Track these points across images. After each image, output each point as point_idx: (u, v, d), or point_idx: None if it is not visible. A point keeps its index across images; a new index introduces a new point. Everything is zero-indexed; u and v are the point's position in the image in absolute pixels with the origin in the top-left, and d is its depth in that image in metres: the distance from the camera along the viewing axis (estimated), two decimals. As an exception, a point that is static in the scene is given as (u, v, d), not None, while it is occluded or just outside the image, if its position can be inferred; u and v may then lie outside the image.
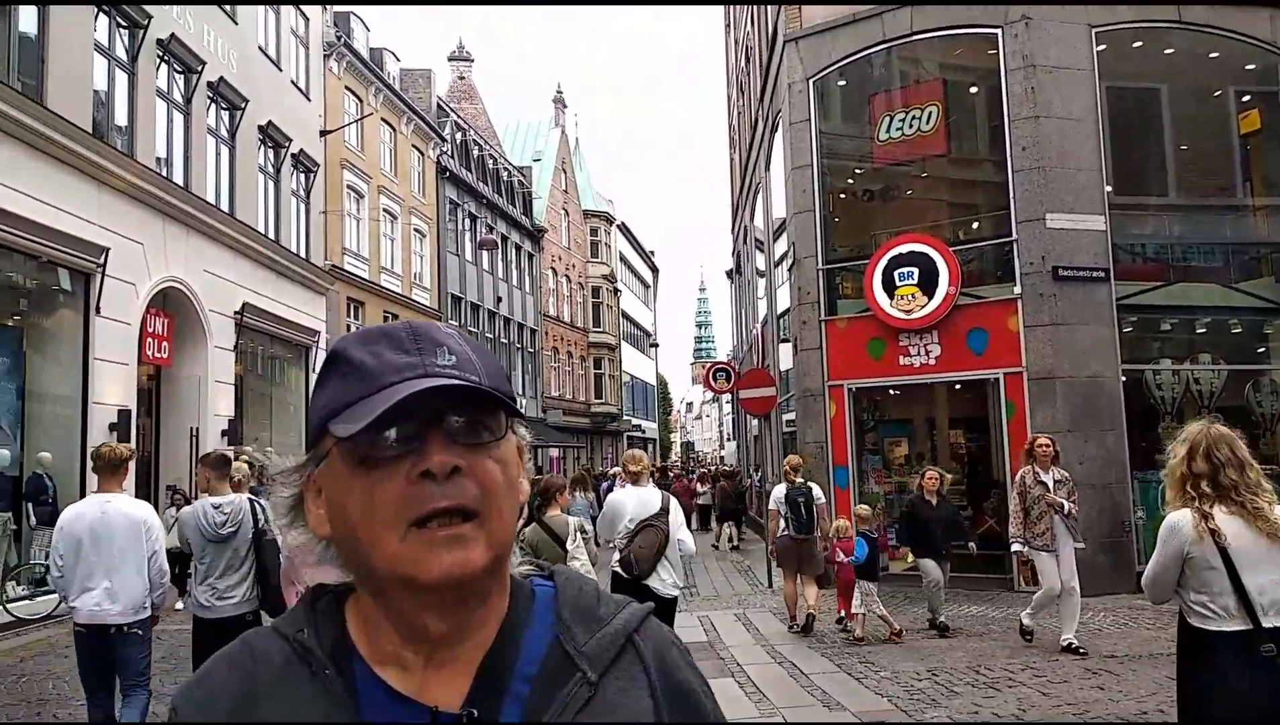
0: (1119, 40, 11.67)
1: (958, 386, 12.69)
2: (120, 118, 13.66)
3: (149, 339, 13.80)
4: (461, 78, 41.34)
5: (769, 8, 15.22)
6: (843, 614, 8.96)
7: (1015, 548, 7.94)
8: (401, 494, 0.77)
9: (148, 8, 13.87)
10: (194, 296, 14.97)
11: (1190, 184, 12.51)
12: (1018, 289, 11.23)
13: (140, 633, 4.85)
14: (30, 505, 11.39)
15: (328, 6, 22.17)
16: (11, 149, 10.78)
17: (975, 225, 12.86)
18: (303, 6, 20.33)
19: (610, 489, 10.38)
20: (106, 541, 4.80)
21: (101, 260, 12.29)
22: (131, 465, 5.45)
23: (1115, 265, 11.19)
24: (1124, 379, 11.06)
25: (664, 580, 5.77)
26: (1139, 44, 11.89)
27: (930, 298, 11.49)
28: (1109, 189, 11.37)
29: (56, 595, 10.86)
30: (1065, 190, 11.15)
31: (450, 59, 41.89)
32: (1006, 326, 11.27)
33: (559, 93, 45.05)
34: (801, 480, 9.29)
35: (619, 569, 5.80)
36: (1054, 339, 10.97)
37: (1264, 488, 3.06)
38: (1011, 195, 11.35)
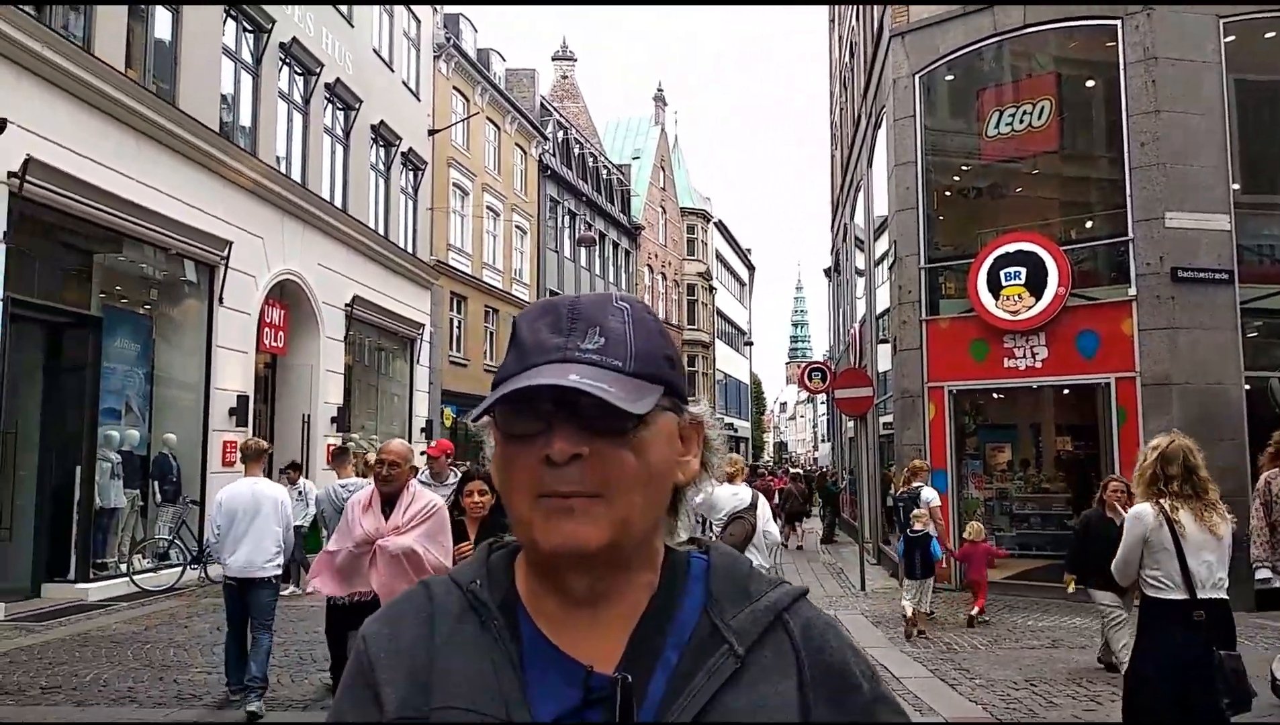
0: (1249, 31, 11.05)
1: (1065, 391, 12.25)
2: (244, 118, 14.39)
3: (266, 329, 14.50)
4: (564, 77, 41.92)
5: (876, 4, 14.97)
6: (976, 610, 9.29)
7: (1263, 574, 6.23)
8: (529, 471, 0.81)
9: (272, 12, 14.56)
10: (308, 288, 15.65)
11: (1326, 182, 11.77)
12: (1133, 291, 10.77)
13: (273, 582, 6.28)
14: (156, 484, 12.12)
15: (438, 7, 22.81)
16: (147, 147, 11.49)
17: (1088, 224, 12.38)
18: (415, 8, 20.97)
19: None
20: (254, 514, 6.17)
21: (225, 253, 12.98)
22: (269, 456, 7.96)
23: (1240, 266, 10.61)
24: (1247, 387, 10.49)
25: (754, 559, 6.39)
26: (1272, 34, 11.25)
27: (1038, 298, 11.12)
28: (1235, 187, 10.79)
29: (178, 569, 11.58)
30: (1186, 188, 10.63)
31: (554, 59, 42.54)
32: (1120, 329, 10.83)
33: (659, 91, 45.25)
34: (916, 484, 9.59)
35: None
36: (1171, 343, 10.48)
37: (1210, 490, 3.99)
38: (1128, 193, 10.88)
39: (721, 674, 0.82)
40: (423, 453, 9.33)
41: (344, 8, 17.43)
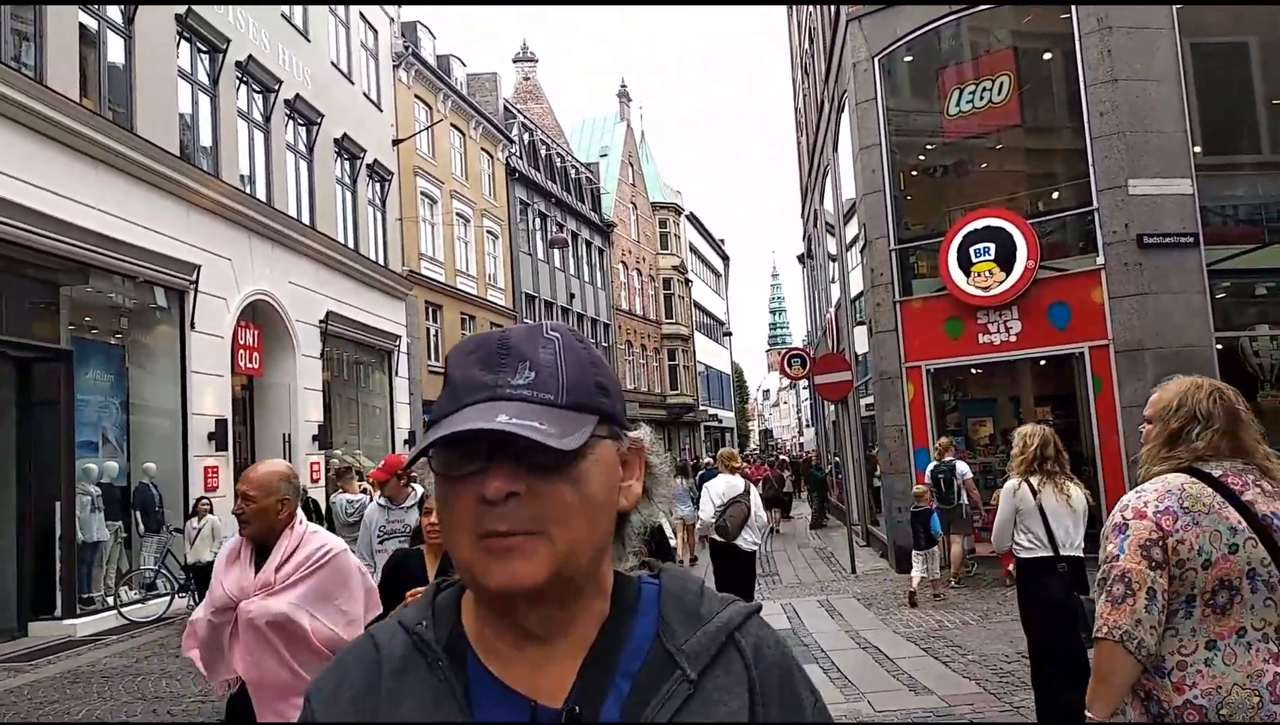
0: (1200, -6, 11.17)
1: (1041, 362, 12.35)
2: (205, 139, 14.26)
3: (240, 350, 14.38)
4: (527, 78, 41.80)
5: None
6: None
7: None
8: (467, 511, 0.81)
9: (225, 31, 14.42)
10: (280, 307, 15.54)
11: (1284, 140, 11.92)
12: (1100, 259, 10.88)
13: None
14: (138, 514, 12.00)
15: (394, 17, 22.67)
16: (107, 175, 11.36)
17: (1054, 196, 12.49)
18: (370, 19, 20.83)
19: (707, 476, 11.74)
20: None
21: (194, 277, 12.86)
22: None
23: (1205, 229, 10.73)
24: (1219, 347, 10.62)
25: (747, 539, 7.72)
26: (1222, -3, 11.37)
27: (1008, 273, 11.22)
28: (1196, 150, 10.91)
29: (166, 598, 11.48)
30: (1148, 154, 10.74)
31: (515, 60, 42.41)
32: (1090, 299, 10.94)
33: (623, 87, 45.21)
34: (949, 458, 10.71)
35: (716, 535, 7.65)
36: (1141, 309, 10.60)
37: (1067, 469, 4.95)
38: (1091, 163, 10.99)
39: (675, 699, 0.82)
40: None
41: (299, 23, 17.29)
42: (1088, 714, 2.19)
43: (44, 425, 10.52)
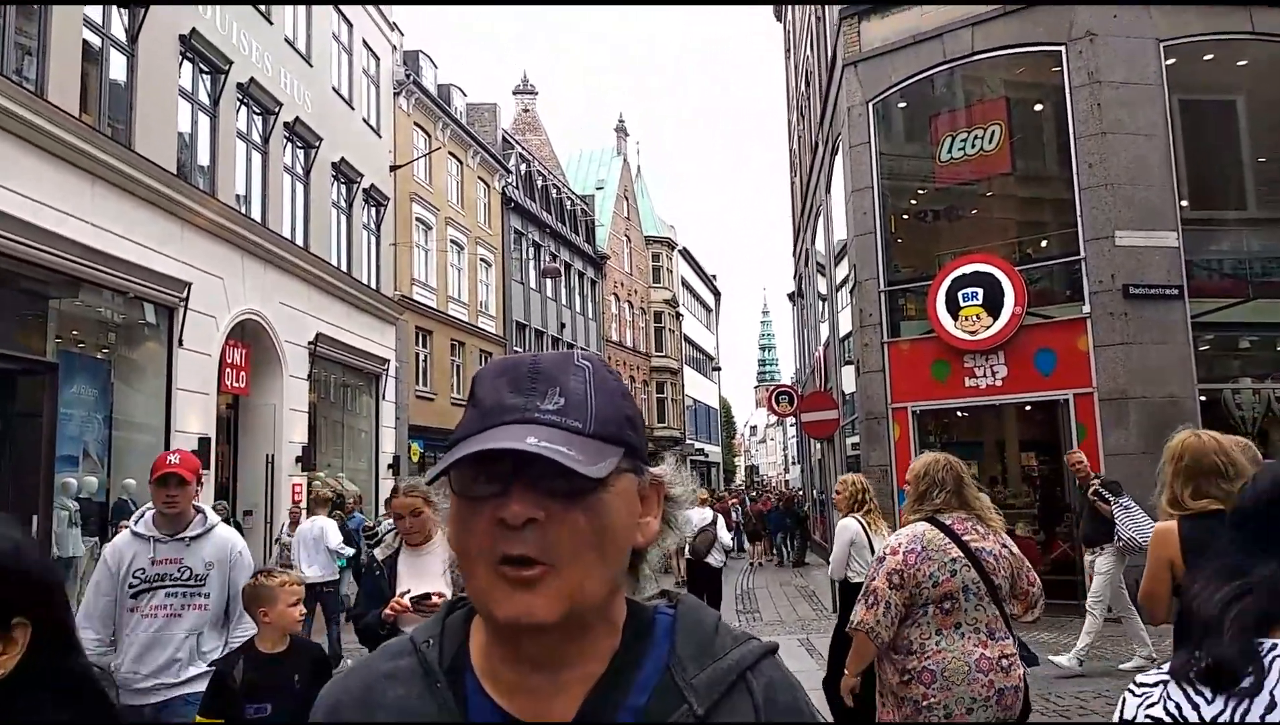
0: (1190, 53, 11.41)
1: (1027, 408, 12.44)
2: (203, 158, 14.31)
3: (228, 369, 14.33)
4: (526, 110, 42.16)
5: (828, 33, 15.26)
6: None
7: None
8: (484, 534, 0.80)
9: (228, 52, 14.54)
10: (270, 328, 15.51)
11: (1270, 198, 12.12)
12: (1087, 308, 11.00)
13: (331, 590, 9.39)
14: (115, 530, 11.88)
15: (396, 46, 22.90)
16: (103, 190, 11.38)
17: (1043, 244, 12.65)
18: (371, 45, 21.03)
19: None
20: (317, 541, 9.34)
21: (184, 295, 12.84)
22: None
23: (1190, 282, 10.89)
24: (1202, 399, 10.72)
25: (715, 559, 10.14)
26: (1210, 56, 11.62)
27: (996, 318, 11.33)
28: (1183, 204, 11.09)
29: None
30: (1135, 207, 10.92)
31: (515, 92, 42.78)
32: (1076, 346, 11.04)
33: (620, 122, 45.63)
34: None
35: (690, 555, 10.21)
36: (1126, 359, 10.71)
37: (873, 505, 5.84)
38: (1079, 213, 11.15)
39: None
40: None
41: (302, 47, 17.44)
42: (845, 671, 3.57)
43: (25, 438, 10.43)
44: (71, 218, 10.68)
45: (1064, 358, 11.11)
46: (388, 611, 3.39)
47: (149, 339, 12.91)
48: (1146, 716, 1.23)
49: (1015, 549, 3.41)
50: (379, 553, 3.77)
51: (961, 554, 3.23)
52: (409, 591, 3.43)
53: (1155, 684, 1.25)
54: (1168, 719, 1.20)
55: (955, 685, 3.12)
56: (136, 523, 3.70)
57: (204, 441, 13.27)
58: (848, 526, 5.62)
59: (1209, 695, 1.17)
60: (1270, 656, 1.14)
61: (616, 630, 0.87)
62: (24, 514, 10.26)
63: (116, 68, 12.29)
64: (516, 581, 0.79)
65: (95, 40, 11.82)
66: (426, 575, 3.54)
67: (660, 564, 0.93)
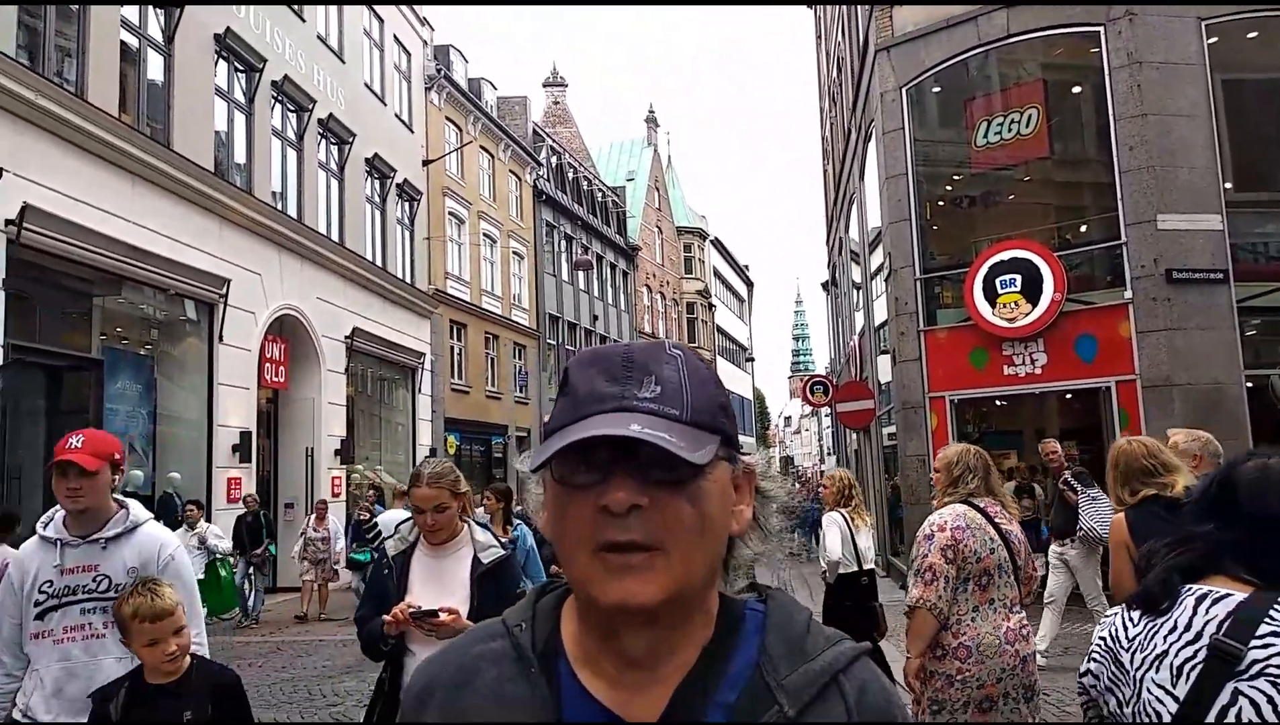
0: (1232, 31, 11.12)
1: (1067, 396, 12.25)
2: (239, 156, 14.50)
3: (267, 364, 14.54)
4: (556, 102, 42.21)
5: (859, 18, 15.11)
6: None
7: None
8: (587, 521, 0.80)
9: (262, 51, 14.70)
10: (308, 323, 15.70)
11: (1318, 178, 11.81)
12: (1128, 293, 10.79)
13: None
14: (162, 523, 12.09)
15: (428, 41, 23.01)
16: (143, 189, 11.58)
17: (1082, 228, 12.42)
18: (403, 40, 21.15)
19: None
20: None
21: (224, 291, 13.04)
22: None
23: (1235, 265, 10.63)
24: (1248, 385, 10.49)
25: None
26: (1254, 34, 11.32)
27: (1034, 305, 11.15)
28: (1227, 186, 10.83)
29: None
30: (1177, 189, 10.68)
31: (545, 85, 42.87)
32: (1117, 333, 10.84)
33: (651, 113, 45.54)
34: None
35: None
36: (1169, 345, 10.49)
37: (863, 502, 6.37)
38: (1119, 196, 10.93)
39: None
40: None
41: (334, 44, 17.59)
42: (908, 654, 3.58)
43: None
44: (113, 216, 10.88)
45: (1105, 344, 10.91)
46: (388, 619, 2.85)
47: (190, 335, 13.13)
48: (1098, 638, 1.73)
49: (1023, 534, 3.69)
50: (390, 546, 3.18)
51: (995, 534, 3.47)
52: (410, 606, 2.86)
53: (1112, 614, 1.72)
54: (1109, 637, 1.68)
55: (989, 659, 3.32)
56: (45, 525, 2.94)
57: (245, 435, 13.49)
58: (835, 519, 6.04)
59: (1136, 619, 1.64)
60: (1188, 595, 1.57)
61: (711, 622, 0.87)
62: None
63: (154, 68, 12.48)
64: (620, 567, 0.79)
65: (133, 41, 12.01)
66: (445, 582, 2.99)
67: (753, 560, 0.92)
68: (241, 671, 8.79)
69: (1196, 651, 1.51)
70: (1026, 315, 11.19)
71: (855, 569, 5.96)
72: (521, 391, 28.20)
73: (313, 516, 12.68)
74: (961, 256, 12.58)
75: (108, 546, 2.88)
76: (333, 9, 17.64)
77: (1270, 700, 1.43)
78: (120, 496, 3.01)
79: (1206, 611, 1.53)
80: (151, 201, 11.72)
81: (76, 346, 11.03)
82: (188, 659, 2.64)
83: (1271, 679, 1.44)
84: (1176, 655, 1.53)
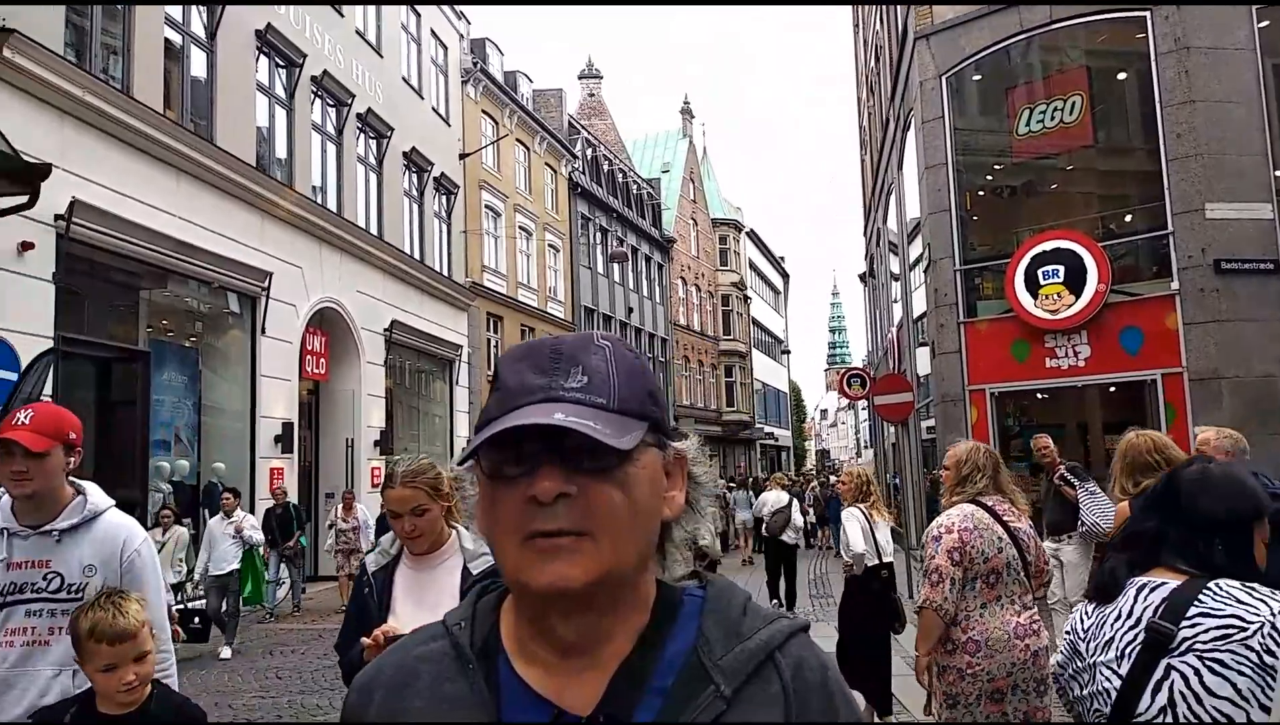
0: (1285, 14, 10.84)
1: (1111, 389, 12.04)
2: (280, 151, 14.69)
3: (308, 356, 14.74)
4: (591, 95, 42.21)
5: (899, 7, 14.93)
6: None
7: None
8: (517, 512, 0.81)
9: (302, 46, 14.86)
10: (347, 315, 15.90)
11: (1373, 164, 11.47)
12: (1175, 284, 10.58)
13: None
14: (207, 512, 12.33)
15: (464, 34, 23.11)
16: (187, 184, 11.78)
17: (1127, 218, 12.20)
18: (439, 34, 21.28)
19: (762, 491, 15.00)
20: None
21: (266, 284, 13.24)
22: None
23: (1287, 255, 10.38)
24: (1300, 378, 10.24)
25: (790, 537, 11.68)
26: (1308, 17, 11.02)
27: (1078, 296, 10.97)
28: (1278, 174, 10.57)
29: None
30: (1226, 177, 10.43)
31: (580, 77, 42.86)
32: (1164, 324, 10.64)
33: (686, 104, 45.35)
34: None
35: (765, 533, 11.96)
36: (1218, 337, 10.28)
37: (881, 498, 6.57)
38: (1166, 185, 10.71)
39: (707, 715, 0.81)
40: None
41: (372, 38, 17.74)
42: (915, 653, 3.67)
43: (121, 423, 10.89)
44: (159, 211, 11.08)
45: (1151, 336, 10.71)
46: (368, 643, 2.35)
47: (233, 327, 13.35)
48: (1064, 631, 1.97)
49: (1032, 529, 3.77)
50: (371, 562, 2.81)
51: (1004, 533, 3.54)
52: (390, 630, 2.36)
53: (1077, 609, 1.96)
54: (1071, 629, 1.92)
55: (998, 653, 3.42)
56: None
57: (287, 426, 13.70)
58: (854, 514, 6.20)
59: (1090, 610, 1.88)
60: (1131, 586, 1.80)
61: (646, 609, 0.88)
62: (123, 496, 10.72)
63: (197, 64, 12.68)
64: (549, 550, 0.80)
65: (176, 38, 12.21)
66: (433, 597, 2.56)
67: (687, 545, 0.93)
68: (285, 658, 8.89)
69: (1136, 635, 1.72)
70: (1069, 307, 11.02)
71: (876, 562, 6.14)
72: (557, 384, 28.25)
73: (339, 506, 12.75)
74: (1002, 247, 12.41)
75: (62, 539, 2.51)
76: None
77: (1197, 672, 1.64)
78: (79, 480, 2.62)
79: (1145, 599, 1.75)
80: (196, 196, 11.92)
81: (124, 339, 11.26)
82: (148, 688, 2.27)
83: (1199, 654, 1.64)
84: (1120, 639, 1.75)
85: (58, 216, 9.46)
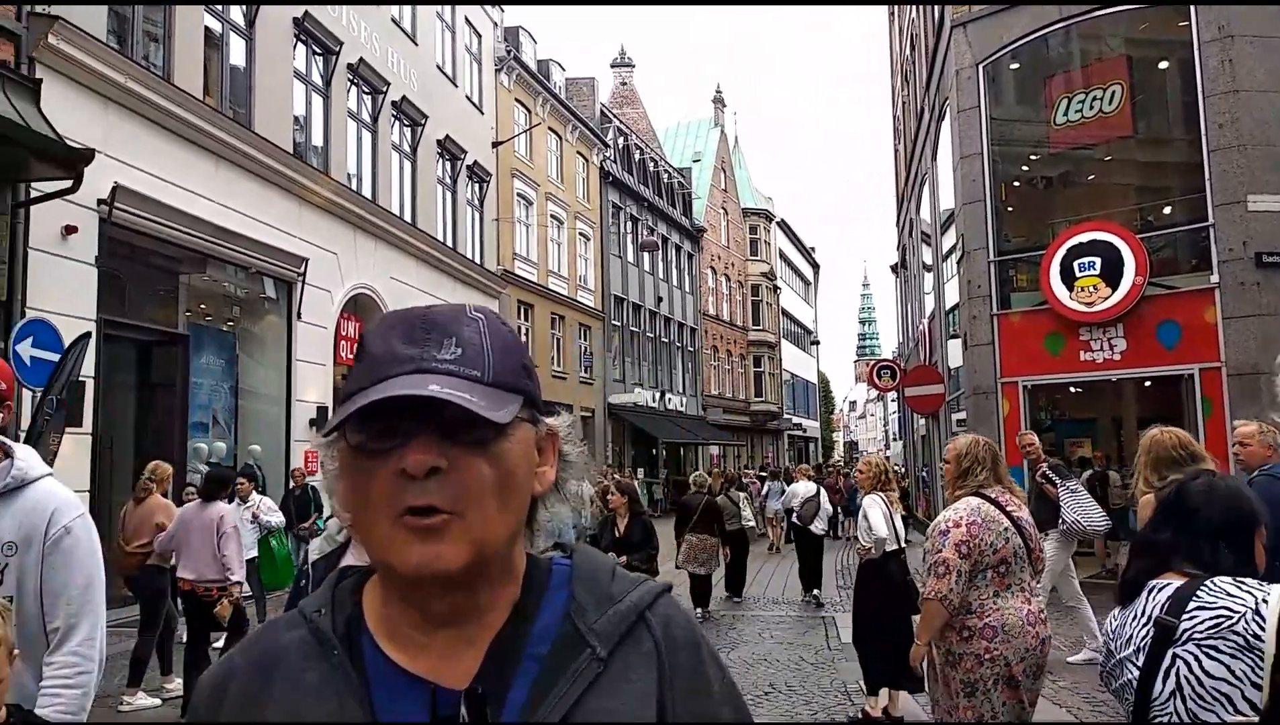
0: (1334, 2, 10.60)
1: (1147, 383, 11.91)
2: (316, 138, 14.84)
3: (342, 341, 14.92)
4: (624, 83, 42.15)
5: (935, 5, 14.77)
6: None
7: None
8: (386, 486, 0.79)
9: (339, 34, 15.00)
10: (381, 301, 16.06)
11: None
12: (1215, 277, 10.42)
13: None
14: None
15: (498, 21, 23.18)
16: (226, 170, 11.95)
17: (1166, 210, 12.02)
18: (475, 24, 21.35)
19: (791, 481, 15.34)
20: None
21: (302, 270, 13.41)
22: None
23: (1331, 249, 10.19)
24: (1342, 374, 10.05)
25: (818, 527, 11.60)
26: (1358, 5, 10.77)
27: (1114, 289, 10.84)
28: (1324, 166, 10.36)
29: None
30: (1270, 169, 10.24)
31: (612, 65, 42.81)
32: (1202, 318, 10.48)
33: (718, 92, 45.16)
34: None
35: (796, 521, 12.07)
36: (1259, 331, 10.11)
37: (894, 485, 6.64)
38: (1207, 177, 10.54)
39: (585, 678, 0.82)
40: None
41: (408, 26, 17.85)
42: (916, 641, 3.77)
43: (160, 405, 11.12)
44: (199, 197, 11.25)
45: (1189, 330, 10.56)
46: None
47: (270, 312, 13.54)
48: (1103, 634, 2.24)
49: (1031, 518, 3.86)
50: (314, 549, 2.59)
51: (1009, 524, 3.64)
52: None
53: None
54: (1106, 632, 2.16)
55: (1013, 638, 3.51)
56: None
57: (322, 410, 13.88)
58: (875, 500, 6.30)
59: (1118, 613, 2.11)
60: (1148, 588, 2.04)
61: (517, 581, 0.87)
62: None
63: (236, 52, 12.83)
64: (420, 530, 0.78)
65: (216, 26, 12.36)
66: None
67: (553, 525, 0.92)
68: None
69: (1148, 630, 1.96)
70: (1106, 299, 10.89)
71: (896, 547, 6.27)
72: (586, 372, 28.42)
73: None
74: (1038, 238, 12.29)
75: None
76: (406, -8, 17.88)
77: (1196, 659, 1.86)
78: (8, 441, 2.16)
79: (1154, 598, 1.99)
80: (234, 182, 12.08)
81: (164, 322, 11.47)
82: (3, 710, 1.79)
83: (1197, 643, 1.86)
84: (1137, 636, 1.99)
85: (100, 201, 9.64)
